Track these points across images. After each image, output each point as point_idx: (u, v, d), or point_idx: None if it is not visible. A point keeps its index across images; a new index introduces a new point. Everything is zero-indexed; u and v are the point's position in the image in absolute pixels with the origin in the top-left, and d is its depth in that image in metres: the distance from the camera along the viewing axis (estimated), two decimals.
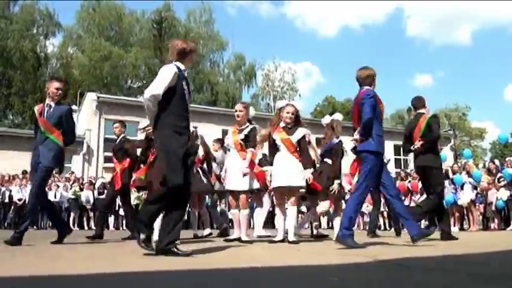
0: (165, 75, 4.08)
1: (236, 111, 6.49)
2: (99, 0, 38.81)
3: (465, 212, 12.96)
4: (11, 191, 15.56)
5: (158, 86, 4.03)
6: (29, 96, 34.42)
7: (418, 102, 7.16)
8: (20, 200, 15.14)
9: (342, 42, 67.72)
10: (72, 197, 15.75)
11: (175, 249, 3.99)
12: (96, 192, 16.00)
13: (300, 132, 6.17)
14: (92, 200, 15.87)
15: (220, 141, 8.82)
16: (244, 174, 6.15)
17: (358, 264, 3.39)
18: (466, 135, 49.36)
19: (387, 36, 68.05)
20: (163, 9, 39.51)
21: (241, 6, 64.41)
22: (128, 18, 39.97)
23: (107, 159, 19.24)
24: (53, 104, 5.83)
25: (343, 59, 70.23)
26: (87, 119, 21.91)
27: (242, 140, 6.26)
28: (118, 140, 8.02)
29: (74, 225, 15.10)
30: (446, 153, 18.59)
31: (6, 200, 15.51)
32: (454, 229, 12.35)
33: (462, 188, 12.65)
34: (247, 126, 6.36)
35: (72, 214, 15.72)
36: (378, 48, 69.16)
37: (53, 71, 37.46)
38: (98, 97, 21.27)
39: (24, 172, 15.51)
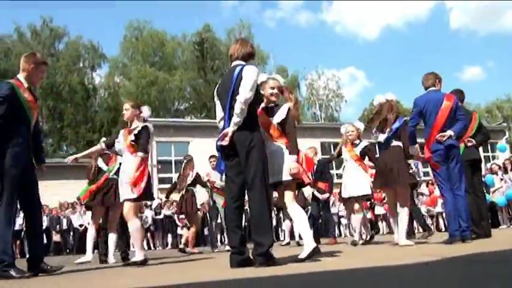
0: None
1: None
2: (141, 29, 40.35)
3: None
4: (70, 218, 16.20)
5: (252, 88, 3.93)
6: (81, 127, 35.72)
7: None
8: (81, 226, 15.66)
9: (385, 43, 66.21)
10: None
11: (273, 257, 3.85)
12: (153, 212, 16.35)
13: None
14: (150, 220, 16.17)
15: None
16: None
17: (428, 263, 3.32)
18: None
19: (431, 31, 65.97)
20: (203, 30, 40.21)
21: (281, 18, 64.46)
22: (170, 43, 40.93)
23: (161, 181, 19.67)
24: None
25: (388, 59, 68.81)
26: None
27: (133, 141, 5.34)
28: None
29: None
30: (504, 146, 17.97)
31: (65, 227, 16.19)
32: None
33: None
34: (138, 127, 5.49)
35: None
36: (423, 45, 67.31)
37: (101, 101, 38.81)
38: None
39: None
